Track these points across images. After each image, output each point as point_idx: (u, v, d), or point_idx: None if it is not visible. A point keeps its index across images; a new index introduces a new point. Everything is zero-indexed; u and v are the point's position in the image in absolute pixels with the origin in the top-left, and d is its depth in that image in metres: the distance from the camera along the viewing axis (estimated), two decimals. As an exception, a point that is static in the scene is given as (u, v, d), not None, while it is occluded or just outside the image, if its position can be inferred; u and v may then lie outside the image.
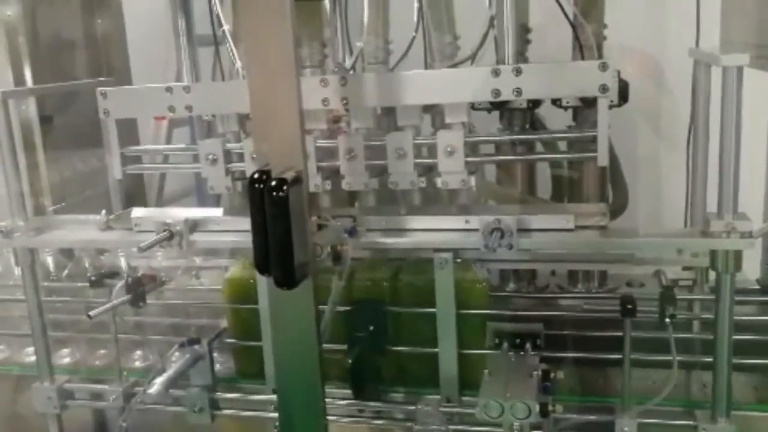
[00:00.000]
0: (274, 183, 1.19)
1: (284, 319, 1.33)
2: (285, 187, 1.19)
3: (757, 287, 1.97)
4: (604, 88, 1.48)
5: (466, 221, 1.61)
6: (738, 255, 1.51)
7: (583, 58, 1.75)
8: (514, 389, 1.50)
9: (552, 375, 1.56)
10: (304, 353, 1.34)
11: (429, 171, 1.67)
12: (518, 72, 1.50)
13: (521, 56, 1.82)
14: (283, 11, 1.21)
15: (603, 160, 1.53)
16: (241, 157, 1.76)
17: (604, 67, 1.47)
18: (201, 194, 3.11)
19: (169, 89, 1.72)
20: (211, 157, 1.76)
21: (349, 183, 1.68)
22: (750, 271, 1.92)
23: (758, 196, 1.96)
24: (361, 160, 1.66)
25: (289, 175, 1.21)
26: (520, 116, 1.84)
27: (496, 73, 1.51)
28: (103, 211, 1.88)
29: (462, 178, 1.62)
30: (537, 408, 1.47)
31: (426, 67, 1.82)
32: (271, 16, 1.22)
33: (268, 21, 1.22)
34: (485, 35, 1.71)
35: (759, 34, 1.62)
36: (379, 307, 1.74)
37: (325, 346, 1.39)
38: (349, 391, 1.75)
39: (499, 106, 1.80)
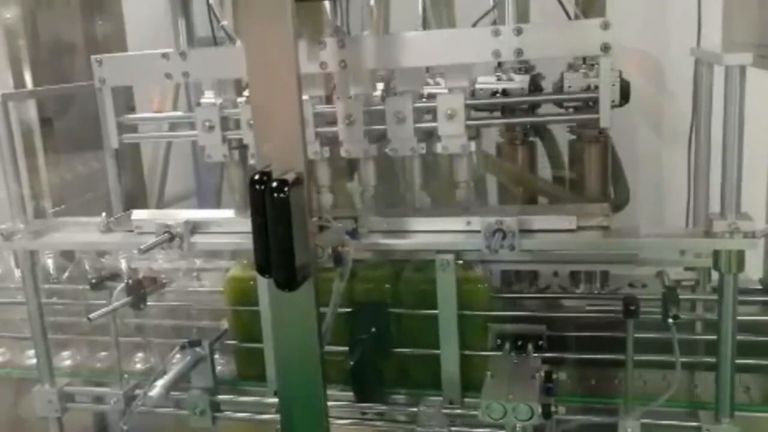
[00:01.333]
0: (275, 184, 1.19)
1: (285, 321, 1.33)
2: (286, 189, 1.19)
3: (760, 287, 1.97)
4: (605, 47, 1.44)
5: (468, 222, 1.60)
6: (741, 255, 1.50)
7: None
8: (516, 391, 1.50)
9: (554, 376, 1.55)
10: (305, 355, 1.33)
11: (429, 137, 1.64)
12: (519, 32, 1.47)
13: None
14: (283, 12, 1.21)
15: (605, 121, 1.50)
16: (237, 124, 1.73)
17: (605, 25, 1.44)
18: (201, 196, 3.11)
19: (165, 55, 1.69)
20: (207, 123, 1.72)
21: (347, 150, 1.64)
22: (752, 271, 1.91)
23: (760, 196, 1.96)
24: (360, 125, 1.62)
25: (290, 177, 1.21)
26: (521, 117, 1.84)
27: (496, 33, 1.48)
28: (104, 213, 1.87)
29: (462, 143, 1.59)
30: (539, 409, 1.46)
31: (426, 71, 1.81)
32: (272, 18, 1.22)
33: (269, 22, 1.22)
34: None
35: (761, 34, 1.61)
36: (380, 309, 1.74)
37: (327, 348, 1.38)
38: (350, 394, 1.75)
39: (500, 108, 1.79)
